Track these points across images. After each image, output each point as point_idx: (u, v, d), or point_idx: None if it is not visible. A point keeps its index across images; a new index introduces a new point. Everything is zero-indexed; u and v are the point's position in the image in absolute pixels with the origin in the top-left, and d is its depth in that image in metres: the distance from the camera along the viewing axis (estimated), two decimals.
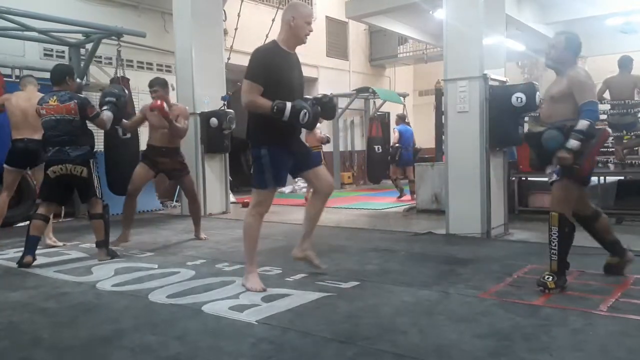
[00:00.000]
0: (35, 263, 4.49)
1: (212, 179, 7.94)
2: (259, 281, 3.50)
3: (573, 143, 3.27)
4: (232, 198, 8.85)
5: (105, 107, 4.69)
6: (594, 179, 6.54)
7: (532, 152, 3.86)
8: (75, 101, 4.46)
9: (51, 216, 5.06)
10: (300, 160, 3.63)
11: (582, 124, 3.28)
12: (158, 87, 5.19)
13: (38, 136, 4.88)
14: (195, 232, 5.64)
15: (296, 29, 3.46)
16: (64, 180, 4.48)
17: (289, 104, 3.29)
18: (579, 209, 3.58)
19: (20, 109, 5.21)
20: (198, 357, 2.40)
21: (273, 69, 3.39)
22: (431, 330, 2.67)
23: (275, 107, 3.27)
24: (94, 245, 4.71)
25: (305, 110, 3.32)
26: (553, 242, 3.37)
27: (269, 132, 3.44)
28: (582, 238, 5.16)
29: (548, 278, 3.31)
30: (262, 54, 3.43)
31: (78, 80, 5.53)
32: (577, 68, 3.53)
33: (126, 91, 5.20)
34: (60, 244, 5.31)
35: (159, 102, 5.02)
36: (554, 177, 3.45)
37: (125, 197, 5.41)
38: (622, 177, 6.71)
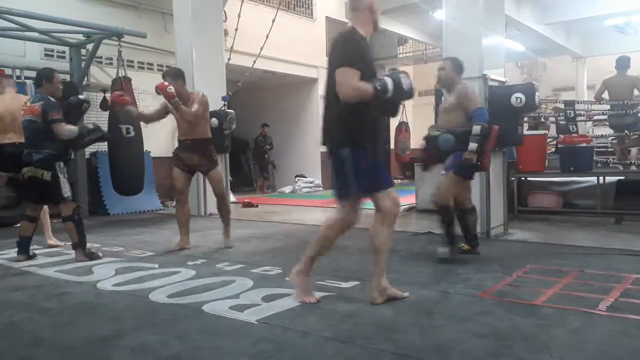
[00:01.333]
0: (35, 263, 4.52)
1: None
2: (306, 291, 3.21)
3: (473, 145, 4.06)
4: (232, 198, 8.86)
5: (86, 127, 4.61)
6: (594, 178, 6.56)
7: (427, 150, 4.53)
8: (42, 102, 4.42)
9: (46, 216, 5.07)
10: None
11: (475, 128, 4.05)
12: (168, 77, 4.92)
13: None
14: (224, 235, 5.25)
15: (374, 14, 3.14)
16: (33, 181, 4.48)
17: (386, 77, 2.91)
18: (461, 201, 4.37)
19: (9, 112, 5.19)
20: (198, 357, 2.41)
21: (364, 52, 3.03)
22: (431, 330, 2.68)
23: (379, 85, 2.86)
24: (95, 244, 4.72)
25: (401, 75, 2.94)
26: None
27: (354, 129, 2.99)
28: (581, 238, 5.20)
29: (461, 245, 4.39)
30: (354, 39, 3.02)
31: (62, 79, 5.28)
32: (463, 85, 4.35)
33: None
34: (62, 244, 5.32)
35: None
36: (448, 170, 4.26)
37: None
38: (622, 177, 6.72)
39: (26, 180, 4.51)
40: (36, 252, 4.93)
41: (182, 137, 5.07)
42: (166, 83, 4.75)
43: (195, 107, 4.91)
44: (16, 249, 4.69)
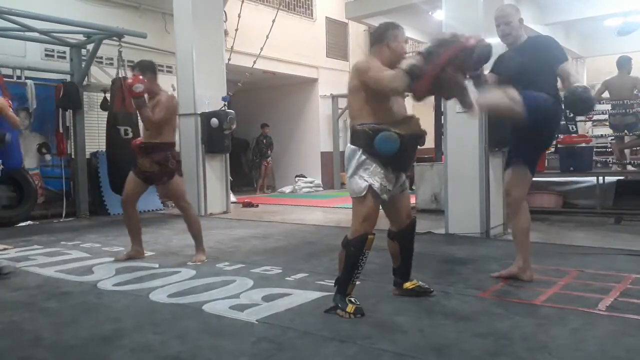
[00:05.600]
0: (36, 262, 4.51)
1: (213, 179, 7.96)
2: None
3: None
4: (232, 198, 8.87)
5: None
6: (593, 178, 6.56)
7: None
8: None
9: None
10: None
11: None
12: (136, 69, 4.37)
13: None
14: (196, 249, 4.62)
15: None
16: None
17: None
18: None
19: None
20: (199, 356, 2.42)
21: None
22: (431, 329, 2.69)
23: None
24: (95, 244, 4.70)
25: None
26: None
27: None
28: (581, 238, 5.20)
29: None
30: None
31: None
32: None
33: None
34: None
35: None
36: None
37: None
38: (622, 177, 6.73)
39: None
40: (35, 251, 4.93)
41: (144, 138, 4.56)
42: (140, 77, 4.22)
43: (158, 113, 4.31)
44: (17, 249, 4.69)
